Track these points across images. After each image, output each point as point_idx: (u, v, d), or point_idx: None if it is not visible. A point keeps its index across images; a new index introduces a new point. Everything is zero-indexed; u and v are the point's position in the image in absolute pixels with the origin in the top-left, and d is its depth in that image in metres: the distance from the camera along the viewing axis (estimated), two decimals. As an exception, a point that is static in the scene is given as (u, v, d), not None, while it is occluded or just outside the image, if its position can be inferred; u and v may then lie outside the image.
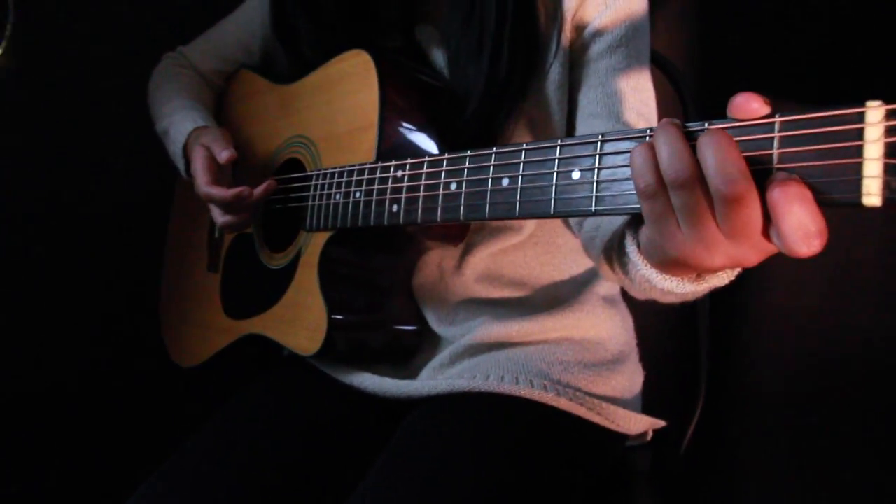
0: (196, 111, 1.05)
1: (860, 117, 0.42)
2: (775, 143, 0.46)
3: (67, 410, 1.39)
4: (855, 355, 1.26)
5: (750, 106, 0.46)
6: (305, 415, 0.92)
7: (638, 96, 0.82)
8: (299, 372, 1.00)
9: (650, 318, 1.07)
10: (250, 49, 1.15)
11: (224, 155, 0.94)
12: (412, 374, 0.94)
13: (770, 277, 1.33)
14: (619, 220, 0.72)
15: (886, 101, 0.41)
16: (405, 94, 0.87)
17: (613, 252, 0.71)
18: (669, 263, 0.54)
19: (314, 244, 0.91)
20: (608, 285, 0.98)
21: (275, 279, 0.98)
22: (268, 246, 1.03)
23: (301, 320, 0.92)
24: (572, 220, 0.89)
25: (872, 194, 0.41)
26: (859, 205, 0.42)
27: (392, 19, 0.95)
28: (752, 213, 0.45)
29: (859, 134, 0.42)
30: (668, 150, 0.48)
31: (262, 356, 1.10)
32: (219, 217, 0.98)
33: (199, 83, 1.16)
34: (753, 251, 0.47)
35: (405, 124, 0.86)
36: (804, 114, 0.44)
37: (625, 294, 1.04)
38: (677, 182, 0.47)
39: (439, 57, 0.94)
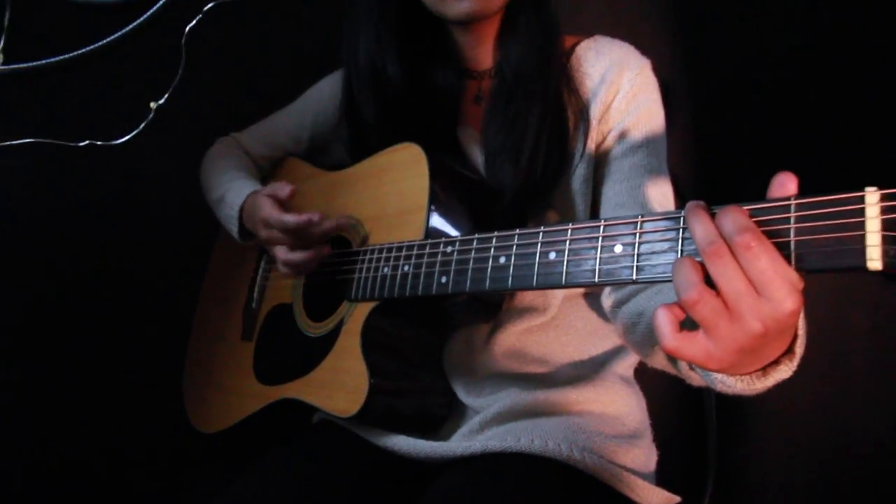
0: (253, 181, 1.16)
1: (861, 199, 0.52)
2: (793, 220, 0.56)
3: (83, 474, 1.41)
4: (852, 441, 1.34)
5: (787, 186, 0.57)
6: (335, 476, 0.97)
7: (658, 189, 0.95)
8: (329, 436, 1.05)
9: (658, 401, 1.14)
10: (300, 139, 1.28)
11: (287, 189, 1.03)
12: (442, 441, 1.00)
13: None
14: None
15: (880, 187, 0.52)
16: (449, 184, 0.98)
17: None
18: (729, 364, 0.59)
19: (357, 314, 0.99)
20: (625, 365, 1.06)
21: (314, 346, 1.05)
22: (308, 316, 1.11)
23: (340, 384, 0.98)
24: (606, 304, 0.98)
25: (874, 259, 0.51)
26: (864, 269, 0.52)
27: (438, 119, 1.07)
28: (766, 261, 0.54)
29: (861, 212, 0.52)
30: (701, 227, 0.58)
31: (286, 423, 1.15)
32: (283, 254, 1.04)
33: (250, 164, 1.27)
34: (777, 305, 0.54)
35: (449, 210, 0.96)
36: (816, 196, 0.55)
37: (636, 375, 1.12)
38: (711, 247, 0.56)
39: (476, 154, 1.06)
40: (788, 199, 0.57)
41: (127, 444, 1.48)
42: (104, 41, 0.55)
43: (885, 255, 0.51)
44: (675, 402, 1.22)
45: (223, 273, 1.35)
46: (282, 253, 1.04)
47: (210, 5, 0.65)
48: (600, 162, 1.00)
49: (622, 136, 0.98)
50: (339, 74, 1.20)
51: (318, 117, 1.26)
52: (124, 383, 1.47)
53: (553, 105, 0.99)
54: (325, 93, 1.25)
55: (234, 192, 1.14)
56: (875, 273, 0.52)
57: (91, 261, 1.43)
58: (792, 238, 0.56)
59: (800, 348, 0.61)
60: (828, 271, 0.54)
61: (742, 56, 1.46)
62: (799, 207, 0.56)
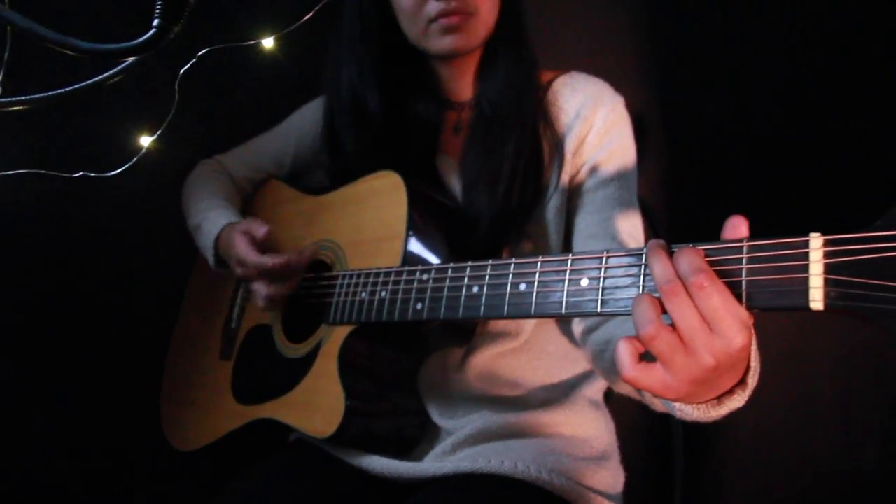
0: (229, 210, 1.18)
1: (806, 244, 0.57)
2: (744, 261, 0.60)
3: (58, 494, 1.41)
4: (818, 467, 1.38)
5: (739, 228, 0.61)
6: (310, 495, 0.99)
7: (629, 221, 0.99)
8: (304, 456, 1.08)
9: (629, 424, 1.17)
10: (282, 162, 1.30)
11: (262, 231, 1.05)
12: (415, 461, 1.02)
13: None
14: None
15: (823, 230, 0.56)
16: (427, 212, 1.01)
17: None
18: (685, 394, 0.63)
19: (335, 337, 1.02)
20: (594, 389, 1.10)
21: (292, 367, 1.08)
22: (286, 337, 1.13)
23: (317, 405, 1.01)
24: (576, 331, 1.02)
25: (817, 300, 0.55)
26: (807, 308, 0.55)
27: (418, 148, 1.11)
28: (718, 300, 0.58)
29: (805, 256, 0.56)
30: (660, 266, 0.62)
31: (262, 442, 1.17)
32: (264, 289, 1.05)
33: (231, 187, 1.29)
34: (728, 341, 0.58)
35: (426, 237, 1.00)
36: (766, 240, 0.59)
37: (606, 399, 1.15)
38: (668, 286, 0.60)
39: (455, 182, 1.09)
40: (741, 241, 0.61)
41: (103, 462, 1.48)
42: (100, 77, 0.58)
43: (827, 296, 0.55)
44: (643, 425, 1.25)
45: (202, 293, 1.37)
46: (262, 288, 1.06)
47: (203, 51, 0.69)
48: (573, 194, 1.04)
49: (595, 169, 1.02)
50: (322, 100, 1.23)
51: (302, 141, 1.28)
52: (102, 401, 1.48)
53: (529, 137, 1.03)
54: (308, 117, 1.28)
55: (210, 221, 1.16)
56: (818, 312, 0.56)
57: (80, 280, 1.47)
58: (743, 278, 0.60)
59: (752, 379, 0.65)
60: (775, 310, 0.58)
61: (715, 90, 1.52)
62: (750, 249, 0.60)
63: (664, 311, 0.61)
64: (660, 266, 0.61)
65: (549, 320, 1.10)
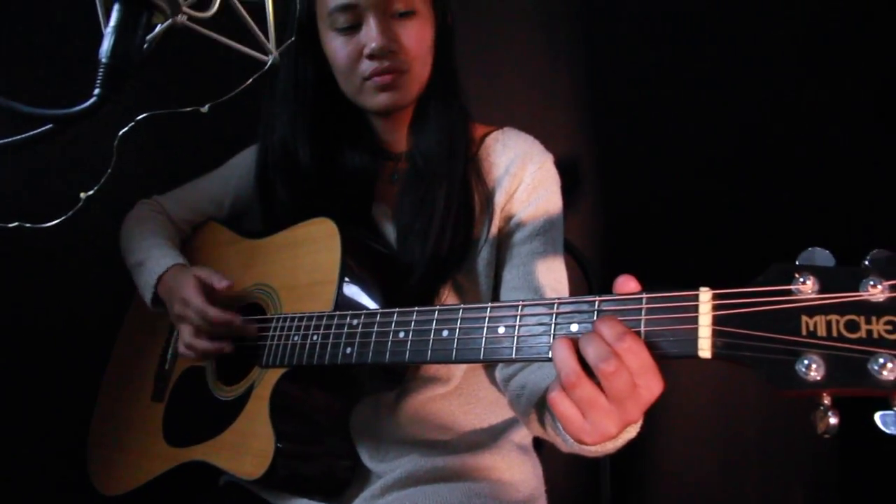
0: (174, 251, 1.19)
1: (696, 297, 0.62)
2: (643, 312, 0.65)
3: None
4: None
5: (628, 285, 0.65)
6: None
7: (552, 275, 1.03)
8: (234, 499, 1.08)
9: (558, 469, 1.21)
10: (222, 204, 1.32)
11: (224, 283, 1.07)
12: (344, 504, 1.03)
13: (664, 449, 1.51)
14: (543, 384, 0.88)
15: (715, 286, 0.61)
16: (361, 259, 1.04)
17: (546, 417, 0.85)
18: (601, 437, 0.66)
19: (267, 379, 1.03)
20: (522, 434, 1.13)
21: (224, 409, 1.08)
22: (219, 379, 1.13)
23: (248, 448, 1.01)
24: (498, 377, 1.05)
25: (705, 349, 0.60)
26: (696, 356, 0.60)
27: (353, 196, 1.14)
28: (626, 380, 0.62)
29: (696, 308, 0.61)
30: (563, 358, 0.65)
31: (193, 485, 1.16)
32: (189, 337, 1.07)
33: (172, 228, 1.30)
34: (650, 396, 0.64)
35: (359, 283, 1.02)
36: (662, 293, 0.64)
37: (535, 444, 1.18)
38: (571, 378, 0.64)
39: (389, 230, 1.13)
40: (641, 293, 0.66)
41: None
42: (39, 130, 0.60)
43: (714, 345, 0.60)
44: (572, 470, 1.28)
45: (136, 334, 1.36)
46: (187, 335, 1.08)
47: (142, 116, 0.73)
48: (501, 247, 1.08)
49: (521, 224, 1.06)
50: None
51: (242, 181, 1.29)
52: (28, 444, 1.44)
53: (460, 189, 1.07)
54: (248, 160, 1.29)
55: (154, 260, 1.16)
56: (706, 360, 0.61)
57: (12, 324, 1.45)
58: (642, 328, 0.64)
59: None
60: (669, 358, 0.63)
61: (646, 141, 1.60)
62: (649, 301, 0.65)
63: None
64: (563, 358, 0.65)
65: (478, 366, 1.13)
